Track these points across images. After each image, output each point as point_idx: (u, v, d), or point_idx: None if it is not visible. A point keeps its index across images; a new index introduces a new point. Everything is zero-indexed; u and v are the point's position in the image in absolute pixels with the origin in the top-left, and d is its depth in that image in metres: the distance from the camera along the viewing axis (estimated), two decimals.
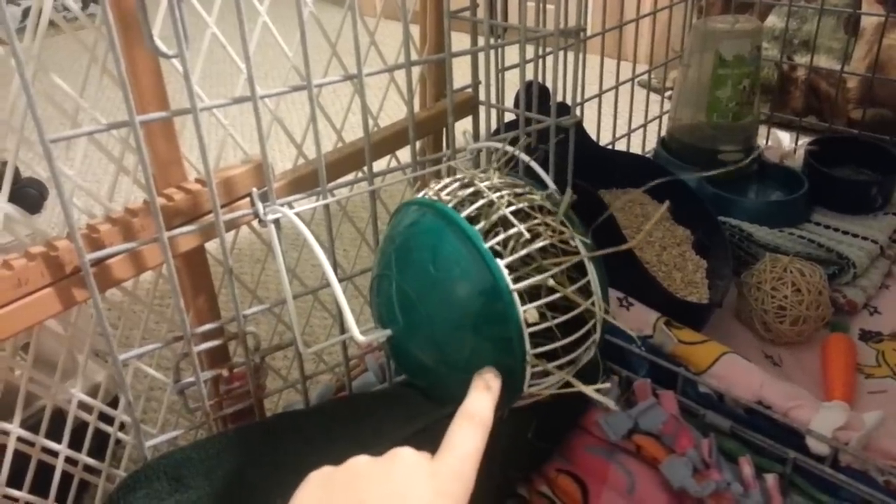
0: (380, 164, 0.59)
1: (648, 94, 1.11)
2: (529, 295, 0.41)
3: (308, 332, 1.07)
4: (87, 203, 0.52)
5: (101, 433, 0.63)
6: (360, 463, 0.35)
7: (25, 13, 2.61)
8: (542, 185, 0.49)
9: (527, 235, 0.42)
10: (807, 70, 1.49)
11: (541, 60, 0.84)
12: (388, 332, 0.45)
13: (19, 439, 0.54)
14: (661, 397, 0.61)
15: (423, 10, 0.75)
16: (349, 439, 0.55)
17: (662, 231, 0.90)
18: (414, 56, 0.55)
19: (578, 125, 0.75)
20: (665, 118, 1.13)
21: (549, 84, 0.60)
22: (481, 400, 0.39)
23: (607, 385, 0.43)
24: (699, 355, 0.66)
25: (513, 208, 0.43)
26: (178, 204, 0.51)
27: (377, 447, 0.37)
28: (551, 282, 0.41)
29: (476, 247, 0.41)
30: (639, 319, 0.71)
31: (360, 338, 0.41)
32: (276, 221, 0.51)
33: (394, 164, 0.67)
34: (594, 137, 1.01)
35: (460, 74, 0.53)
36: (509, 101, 0.68)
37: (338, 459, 0.36)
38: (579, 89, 0.61)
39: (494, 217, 0.42)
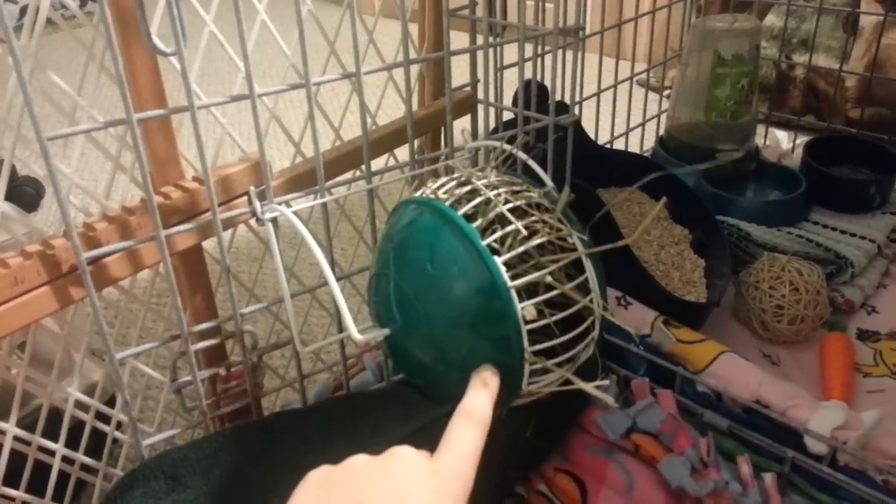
0: (378, 163, 0.59)
1: (647, 92, 1.11)
2: (527, 293, 0.41)
3: (306, 331, 1.07)
4: (83, 201, 0.52)
5: (98, 432, 0.63)
6: (359, 462, 0.35)
7: (23, 11, 2.60)
8: (541, 184, 0.49)
9: (524, 232, 0.41)
10: (805, 69, 1.49)
11: (539, 59, 0.84)
12: (386, 330, 0.45)
13: (16, 438, 0.54)
14: (659, 396, 0.61)
15: (421, 9, 0.75)
16: (347, 438, 0.55)
17: (660, 230, 0.90)
18: (412, 54, 0.55)
19: (577, 124, 0.75)
20: (663, 117, 1.13)
21: (547, 83, 0.60)
22: (480, 398, 0.39)
23: (607, 382, 0.43)
24: (697, 354, 0.67)
25: (510, 206, 0.43)
26: (176, 202, 0.51)
27: (375, 446, 0.37)
28: (549, 278, 0.41)
29: (473, 244, 0.41)
30: (637, 318, 0.71)
31: (357, 337, 0.41)
32: (274, 220, 0.51)
33: (392, 162, 0.67)
34: (593, 136, 1.01)
35: (459, 73, 0.53)
36: (508, 100, 0.68)
37: (335, 458, 0.36)
38: (578, 88, 0.61)
39: (491, 214, 0.42)
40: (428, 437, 0.37)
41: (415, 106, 0.71)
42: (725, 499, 0.52)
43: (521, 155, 0.54)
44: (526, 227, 0.42)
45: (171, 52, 0.42)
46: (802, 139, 1.13)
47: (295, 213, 0.49)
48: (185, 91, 0.44)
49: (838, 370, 0.73)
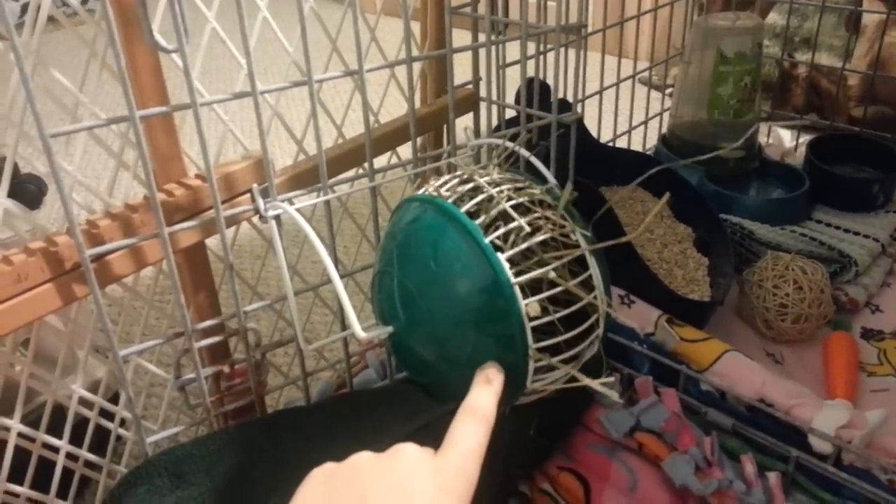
0: (380, 161, 0.59)
1: (649, 91, 1.11)
2: (531, 289, 0.41)
3: (309, 329, 1.07)
4: (86, 198, 0.52)
5: (102, 429, 0.63)
6: (363, 459, 0.35)
7: (24, 8, 2.60)
8: (543, 182, 0.48)
9: (527, 229, 0.41)
10: (808, 67, 1.48)
11: (542, 57, 0.84)
12: (390, 328, 0.45)
13: (20, 435, 0.54)
14: (662, 395, 0.60)
15: (423, 7, 0.75)
16: (350, 436, 0.55)
17: (664, 228, 0.89)
18: (415, 52, 0.55)
19: (579, 122, 0.75)
20: (666, 115, 1.13)
21: (549, 81, 0.60)
22: (484, 395, 0.39)
23: (612, 379, 0.43)
24: (701, 353, 0.66)
25: (513, 202, 0.43)
26: (179, 199, 0.51)
27: (378, 444, 0.37)
28: (552, 275, 0.41)
29: (476, 241, 0.41)
30: (640, 317, 0.71)
31: (361, 334, 0.41)
32: (277, 217, 0.51)
33: (395, 160, 0.67)
34: (595, 135, 1.01)
35: (461, 71, 0.53)
36: (510, 98, 0.68)
37: (339, 456, 0.36)
38: (580, 86, 0.61)
39: (494, 211, 0.42)
40: (432, 435, 0.37)
41: (417, 104, 0.71)
42: (729, 498, 0.52)
43: (524, 152, 0.54)
44: (529, 224, 0.42)
45: (173, 49, 0.42)
46: (805, 138, 1.12)
47: (298, 210, 0.49)
48: (187, 88, 0.44)
49: (842, 369, 0.73)
